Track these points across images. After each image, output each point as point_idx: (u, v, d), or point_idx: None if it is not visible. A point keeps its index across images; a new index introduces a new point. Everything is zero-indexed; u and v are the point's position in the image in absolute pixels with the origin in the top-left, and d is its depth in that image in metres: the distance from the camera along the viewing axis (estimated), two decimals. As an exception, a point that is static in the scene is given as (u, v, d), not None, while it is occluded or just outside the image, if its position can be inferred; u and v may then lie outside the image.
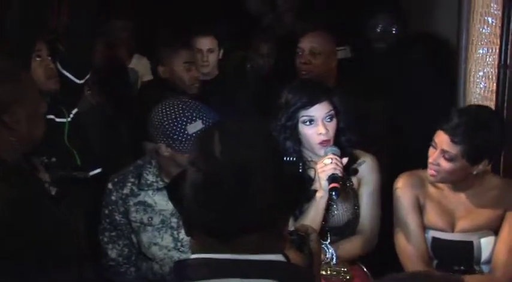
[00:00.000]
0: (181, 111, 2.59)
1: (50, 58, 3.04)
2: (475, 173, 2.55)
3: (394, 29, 4.26)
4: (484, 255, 2.62)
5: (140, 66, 4.58)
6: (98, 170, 3.20)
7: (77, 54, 3.09)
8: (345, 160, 2.68)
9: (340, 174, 2.60)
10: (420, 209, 2.71)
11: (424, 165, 2.69)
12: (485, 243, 2.61)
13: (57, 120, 3.09)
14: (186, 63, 3.87)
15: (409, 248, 2.68)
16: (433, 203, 2.69)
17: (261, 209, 1.37)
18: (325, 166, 2.61)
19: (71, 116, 3.14)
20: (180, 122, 2.58)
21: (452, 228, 2.66)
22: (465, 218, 2.64)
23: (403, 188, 2.73)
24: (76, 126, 3.15)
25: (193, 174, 1.39)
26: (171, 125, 2.58)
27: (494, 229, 2.62)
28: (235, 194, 1.35)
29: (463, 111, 2.58)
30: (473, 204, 2.63)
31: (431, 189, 2.71)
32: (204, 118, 2.60)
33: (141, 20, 4.82)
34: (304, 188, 1.69)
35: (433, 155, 2.57)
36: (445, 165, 2.53)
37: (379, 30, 4.25)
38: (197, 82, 3.92)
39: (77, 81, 3.14)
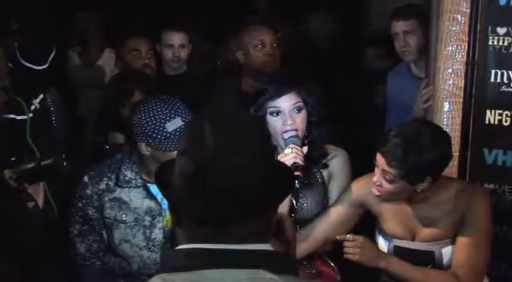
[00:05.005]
0: (159, 109, 2.57)
1: None
2: (419, 190, 2.49)
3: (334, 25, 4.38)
4: (445, 261, 2.60)
5: (112, 60, 4.53)
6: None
7: (33, 40, 3.12)
8: (305, 149, 2.67)
9: (301, 163, 2.59)
10: (358, 211, 2.70)
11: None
12: (447, 252, 2.59)
13: (18, 118, 3.02)
14: (134, 52, 3.98)
15: (311, 224, 2.72)
16: (391, 214, 2.65)
17: (253, 198, 1.37)
18: (286, 156, 2.59)
19: (32, 108, 3.07)
20: (159, 120, 2.56)
21: (412, 238, 2.64)
22: (425, 229, 2.61)
23: (359, 186, 2.70)
24: (38, 120, 3.07)
25: (184, 163, 1.39)
26: (150, 123, 2.56)
27: (455, 237, 2.57)
28: (227, 183, 1.35)
29: (400, 132, 2.43)
30: (431, 216, 2.59)
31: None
32: (183, 115, 2.59)
33: (111, 14, 4.78)
34: (293, 178, 1.70)
35: (376, 174, 2.52)
36: (387, 186, 2.48)
37: (323, 25, 4.36)
38: (148, 69, 3.95)
39: (36, 67, 3.13)
